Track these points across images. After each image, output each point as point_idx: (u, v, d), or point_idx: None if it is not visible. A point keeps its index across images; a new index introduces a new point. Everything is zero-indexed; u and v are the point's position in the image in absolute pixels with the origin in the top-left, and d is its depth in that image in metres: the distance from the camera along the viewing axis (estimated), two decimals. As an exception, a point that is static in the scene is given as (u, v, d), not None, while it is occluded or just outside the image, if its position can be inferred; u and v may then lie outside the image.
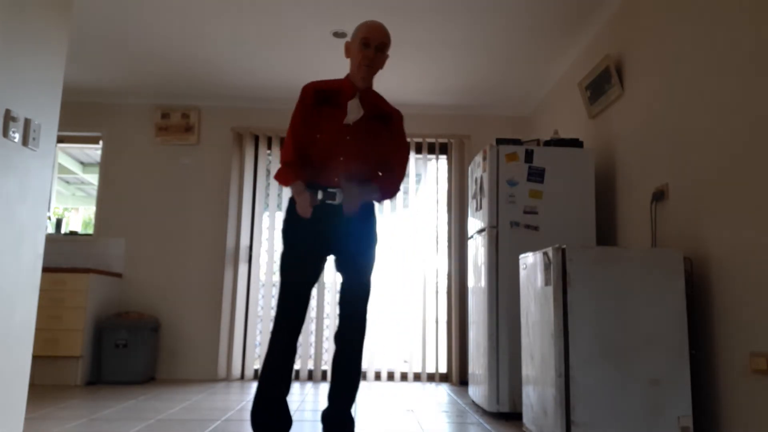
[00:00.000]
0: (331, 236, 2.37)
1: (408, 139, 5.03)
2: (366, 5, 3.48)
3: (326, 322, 4.85)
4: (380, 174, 2.51)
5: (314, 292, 4.84)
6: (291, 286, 2.30)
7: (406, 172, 2.58)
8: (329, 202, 2.34)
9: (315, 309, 4.84)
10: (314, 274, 2.35)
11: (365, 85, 2.41)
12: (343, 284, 2.41)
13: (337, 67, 4.35)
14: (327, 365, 4.80)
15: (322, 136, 2.35)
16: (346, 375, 2.37)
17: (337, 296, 2.49)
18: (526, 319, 2.73)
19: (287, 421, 2.29)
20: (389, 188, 2.49)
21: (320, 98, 2.38)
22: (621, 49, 3.30)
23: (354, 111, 2.37)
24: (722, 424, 2.30)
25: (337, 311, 2.43)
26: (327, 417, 2.37)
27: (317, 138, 2.36)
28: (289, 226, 2.37)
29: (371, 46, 2.34)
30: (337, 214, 2.35)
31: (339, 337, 2.39)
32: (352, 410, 3.21)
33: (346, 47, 2.42)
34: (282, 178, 2.36)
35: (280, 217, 4.96)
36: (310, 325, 4.84)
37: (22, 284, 2.03)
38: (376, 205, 2.51)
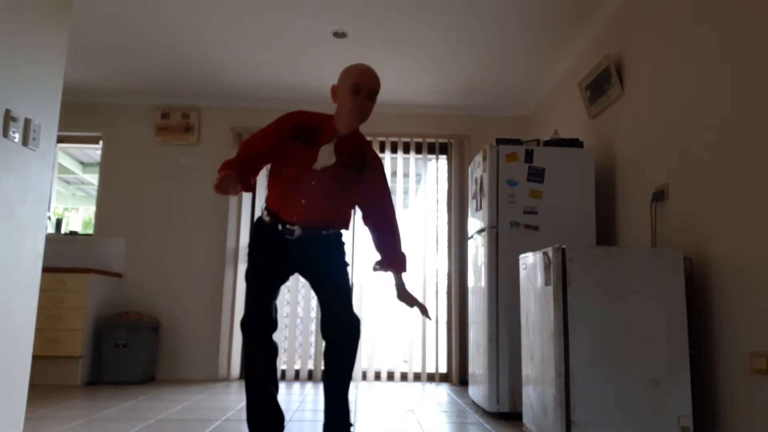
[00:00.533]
0: (293, 262, 2.35)
1: (408, 139, 5.08)
2: (366, 5, 3.48)
3: (326, 322, 4.84)
4: (375, 245, 2.42)
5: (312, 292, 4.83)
6: (255, 293, 2.29)
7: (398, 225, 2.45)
8: (287, 237, 2.30)
9: (314, 309, 4.84)
10: (272, 291, 2.33)
11: (349, 131, 2.26)
12: (322, 303, 2.33)
13: (337, 66, 4.35)
14: (327, 365, 4.79)
15: (288, 172, 2.27)
16: (342, 375, 2.31)
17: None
18: (526, 319, 2.73)
19: (279, 418, 2.29)
20: (403, 261, 2.41)
21: (298, 133, 2.27)
22: (621, 49, 3.30)
23: (325, 158, 2.24)
24: (722, 424, 2.30)
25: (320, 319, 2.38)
26: (327, 419, 2.35)
27: (283, 172, 2.28)
28: (252, 246, 2.36)
29: (363, 93, 2.17)
30: (296, 245, 2.31)
31: (329, 339, 2.32)
32: (351, 412, 3.20)
33: (332, 91, 2.27)
34: (224, 167, 2.23)
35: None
36: (309, 325, 4.84)
37: (22, 284, 2.03)
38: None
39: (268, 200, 2.36)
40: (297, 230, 2.29)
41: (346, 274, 2.36)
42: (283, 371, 4.76)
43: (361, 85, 2.17)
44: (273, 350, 2.33)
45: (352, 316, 2.28)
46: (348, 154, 2.28)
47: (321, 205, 2.30)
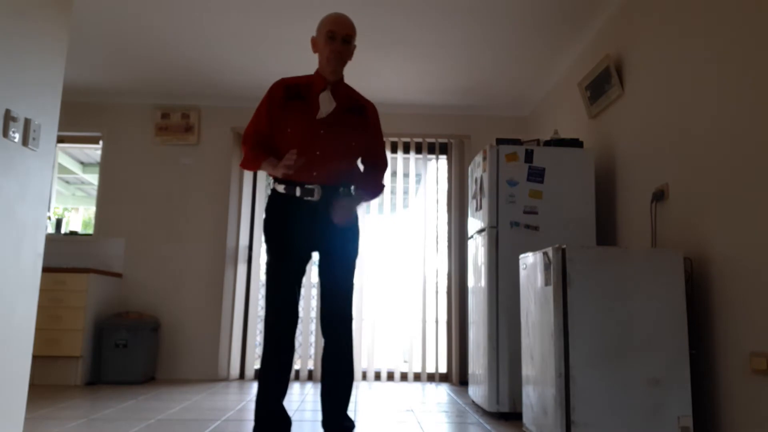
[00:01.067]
0: (312, 235, 2.31)
1: (408, 139, 5.08)
2: (366, 5, 3.48)
3: (326, 322, 4.84)
4: (363, 172, 2.48)
5: (313, 292, 4.84)
6: (276, 287, 2.26)
7: (389, 164, 2.55)
8: (308, 198, 2.28)
9: (315, 309, 4.84)
10: (298, 274, 2.30)
11: (336, 77, 2.35)
12: (324, 284, 2.35)
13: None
14: (327, 365, 4.79)
15: (294, 131, 2.28)
16: (336, 379, 2.32)
17: (318, 295, 2.45)
18: (526, 319, 2.73)
19: (285, 422, 2.29)
20: (376, 186, 2.48)
21: (290, 93, 2.32)
22: (621, 49, 3.30)
23: (326, 104, 2.32)
24: (722, 424, 2.30)
25: (319, 310, 2.39)
26: (325, 424, 2.33)
27: (288, 133, 2.29)
28: (269, 227, 2.32)
29: (337, 38, 2.29)
30: (317, 211, 2.29)
31: (327, 339, 2.34)
32: (351, 412, 3.20)
33: (312, 42, 2.38)
34: (249, 163, 2.34)
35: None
36: (309, 325, 4.84)
37: (22, 284, 2.03)
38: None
39: (268, 154, 2.35)
40: (317, 190, 2.29)
41: (354, 263, 2.40)
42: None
43: (335, 32, 2.30)
44: (292, 349, 2.31)
45: (348, 322, 2.34)
46: (344, 98, 2.38)
47: (335, 153, 2.32)
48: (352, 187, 2.43)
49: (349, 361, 2.34)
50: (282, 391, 2.28)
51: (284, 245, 2.30)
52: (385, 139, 4.99)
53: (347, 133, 2.35)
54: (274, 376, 2.25)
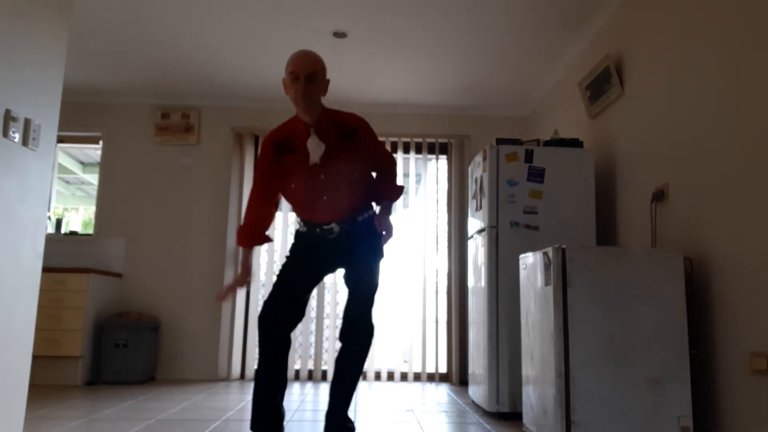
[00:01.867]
0: (334, 260, 2.44)
1: (408, 139, 5.08)
2: (366, 5, 3.48)
3: (326, 322, 4.85)
4: (376, 180, 2.51)
5: (314, 292, 4.84)
6: (283, 287, 2.33)
7: (396, 160, 2.55)
8: (329, 237, 2.40)
9: (315, 309, 4.84)
10: (309, 281, 2.39)
11: (313, 117, 2.30)
12: (351, 292, 2.43)
13: (337, 66, 4.35)
14: (327, 365, 4.79)
15: (297, 185, 2.34)
16: (344, 376, 2.39)
17: (343, 302, 2.54)
18: (526, 319, 2.73)
19: (277, 416, 2.29)
20: (393, 188, 2.50)
21: (281, 149, 2.35)
22: (621, 49, 3.30)
23: (315, 149, 2.30)
24: (722, 424, 2.30)
25: (341, 316, 2.46)
26: (327, 419, 2.39)
27: (292, 188, 2.36)
28: (294, 248, 2.45)
29: (300, 78, 2.24)
30: (338, 242, 2.40)
31: (345, 340, 2.41)
32: (351, 412, 3.21)
33: (283, 83, 2.34)
34: (237, 238, 2.46)
35: (279, 216, 4.96)
36: (309, 325, 4.84)
37: (22, 284, 2.03)
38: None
39: (296, 213, 2.46)
40: (335, 227, 2.37)
41: (377, 273, 2.45)
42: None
43: (297, 72, 2.25)
44: (286, 344, 2.34)
45: (367, 323, 2.40)
46: (331, 132, 2.35)
47: (341, 191, 2.35)
48: (371, 211, 2.49)
49: (360, 365, 2.41)
50: (280, 386, 2.32)
51: (299, 258, 2.41)
52: (385, 139, 5.03)
53: (347, 167, 2.35)
54: (269, 369, 2.30)
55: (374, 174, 2.54)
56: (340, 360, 2.40)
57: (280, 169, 2.36)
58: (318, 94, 2.30)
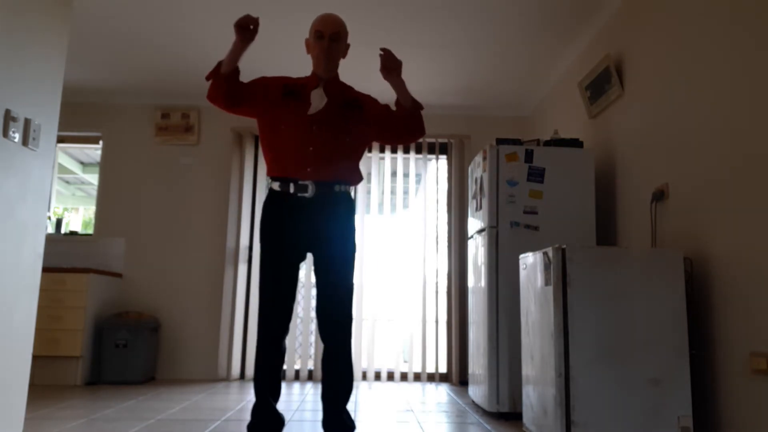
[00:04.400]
0: (306, 235, 2.31)
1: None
2: (366, 5, 3.48)
3: (326, 322, 4.84)
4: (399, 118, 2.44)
5: (313, 291, 4.84)
6: (268, 292, 2.27)
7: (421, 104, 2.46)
8: (301, 194, 2.28)
9: (315, 309, 4.83)
10: (292, 276, 2.30)
11: (328, 75, 2.39)
12: (321, 285, 2.33)
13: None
14: (327, 365, 4.79)
15: (287, 127, 2.30)
16: (336, 380, 2.32)
17: (315, 298, 2.43)
18: (526, 319, 2.73)
19: (276, 422, 2.30)
20: (420, 117, 2.43)
21: (286, 90, 2.36)
22: (621, 49, 3.30)
23: (317, 100, 2.33)
24: (722, 424, 2.30)
25: (316, 312, 2.36)
26: (326, 424, 2.33)
27: (282, 129, 2.31)
28: (264, 226, 2.32)
29: (325, 37, 2.34)
30: (310, 209, 2.28)
31: (325, 341, 2.34)
32: (351, 411, 3.20)
33: (306, 44, 2.43)
34: (212, 74, 2.30)
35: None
36: (310, 326, 4.84)
37: (22, 284, 2.03)
38: (359, 200, 2.48)
39: (272, 169, 2.34)
40: (310, 186, 2.28)
41: (353, 263, 2.37)
42: (283, 371, 4.76)
43: (322, 31, 2.35)
44: (282, 354, 2.33)
45: (346, 323, 2.33)
46: (338, 95, 2.39)
47: (329, 148, 2.31)
48: (350, 186, 2.42)
49: (348, 362, 2.33)
50: (274, 390, 2.31)
51: (277, 246, 2.30)
52: (385, 139, 5.03)
53: (340, 129, 2.34)
54: (265, 377, 2.28)
55: (396, 129, 2.45)
56: (330, 362, 2.32)
57: (275, 110, 2.33)
58: (339, 54, 2.40)
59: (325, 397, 2.33)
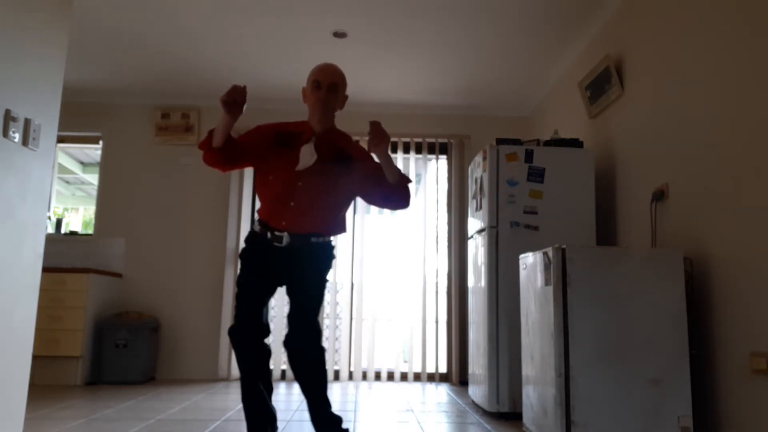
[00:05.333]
0: (279, 274, 2.32)
1: (407, 139, 5.07)
2: (366, 5, 3.48)
3: (326, 322, 4.85)
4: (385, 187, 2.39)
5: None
6: (240, 311, 2.27)
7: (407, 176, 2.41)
8: (276, 244, 2.29)
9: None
10: (264, 292, 2.31)
11: (323, 127, 2.34)
12: (291, 308, 2.33)
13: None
14: (327, 365, 4.79)
15: (275, 179, 2.31)
16: (309, 380, 2.32)
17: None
18: (526, 319, 2.73)
19: (270, 418, 2.30)
20: (405, 192, 2.37)
21: (279, 140, 2.34)
22: (621, 49, 3.30)
23: (306, 157, 2.29)
24: (722, 424, 2.30)
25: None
26: (314, 421, 2.34)
27: (270, 180, 2.32)
28: (244, 255, 2.35)
29: (323, 87, 2.30)
30: (284, 255, 2.30)
31: (290, 346, 2.31)
32: (351, 412, 3.20)
33: (302, 92, 2.38)
34: (205, 144, 2.28)
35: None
36: (310, 325, 4.83)
37: (22, 284, 2.03)
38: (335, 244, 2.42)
39: (259, 211, 2.38)
40: (285, 237, 2.28)
41: (322, 285, 2.34)
42: (283, 371, 4.77)
43: (320, 81, 2.31)
44: (264, 354, 2.32)
45: (313, 326, 2.30)
46: (328, 149, 2.34)
47: (309, 206, 2.30)
48: (328, 239, 2.39)
49: (317, 359, 2.31)
50: (265, 388, 2.31)
51: (253, 272, 2.31)
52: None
53: (325, 187, 2.31)
54: (246, 379, 2.28)
55: (380, 194, 2.39)
56: (297, 363, 2.31)
57: (267, 158, 2.32)
58: (336, 105, 2.36)
59: (305, 395, 2.34)
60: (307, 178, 2.29)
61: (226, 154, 2.29)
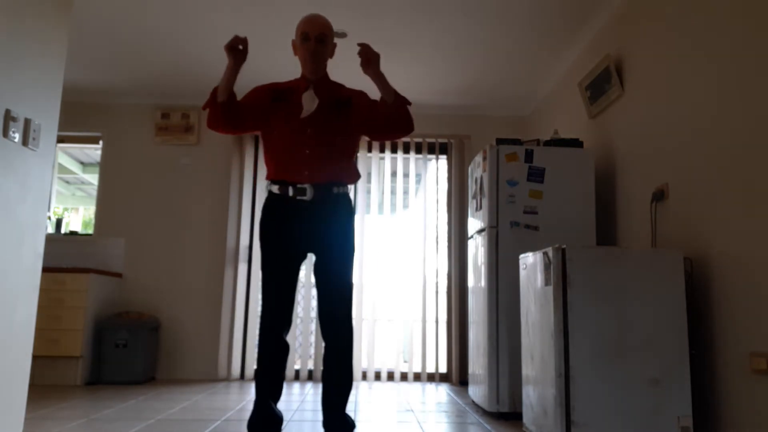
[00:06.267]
0: (306, 235, 2.32)
1: (407, 139, 5.06)
2: (366, 5, 3.48)
3: (326, 322, 4.84)
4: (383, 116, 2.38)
5: (313, 292, 4.84)
6: (270, 289, 2.29)
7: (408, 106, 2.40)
8: (300, 198, 2.29)
9: (315, 309, 4.84)
10: (292, 274, 2.32)
11: (317, 75, 2.39)
12: (321, 285, 2.34)
13: (336, 66, 4.35)
14: (327, 365, 4.80)
15: (281, 132, 2.32)
16: (336, 380, 2.34)
17: (315, 298, 2.44)
18: (526, 319, 2.73)
19: (274, 422, 2.30)
20: (405, 112, 2.35)
21: (275, 96, 2.37)
22: (621, 49, 3.30)
23: (309, 102, 2.34)
24: (722, 424, 2.30)
25: (317, 312, 2.38)
26: (326, 424, 2.35)
27: (275, 135, 2.34)
28: (264, 229, 2.34)
29: (311, 38, 2.34)
30: (310, 211, 2.30)
31: (327, 341, 2.35)
32: (351, 412, 3.21)
33: (292, 46, 2.43)
34: (209, 104, 2.34)
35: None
36: (310, 325, 4.84)
37: (22, 284, 2.03)
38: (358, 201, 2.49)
39: (271, 172, 2.37)
40: (308, 189, 2.29)
41: (352, 263, 2.37)
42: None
43: (308, 32, 2.35)
44: (285, 349, 2.33)
45: (347, 322, 2.33)
46: (328, 95, 2.39)
47: (325, 150, 2.32)
48: (348, 186, 2.43)
49: (349, 362, 2.35)
50: (275, 392, 2.32)
51: (278, 248, 2.31)
52: (385, 139, 5.03)
53: (335, 129, 2.35)
54: (267, 372, 2.29)
55: (383, 123, 2.39)
56: (331, 362, 2.34)
57: (267, 117, 2.36)
58: (326, 55, 2.39)
59: (326, 397, 2.34)
60: (316, 124, 2.32)
61: (230, 110, 2.32)
